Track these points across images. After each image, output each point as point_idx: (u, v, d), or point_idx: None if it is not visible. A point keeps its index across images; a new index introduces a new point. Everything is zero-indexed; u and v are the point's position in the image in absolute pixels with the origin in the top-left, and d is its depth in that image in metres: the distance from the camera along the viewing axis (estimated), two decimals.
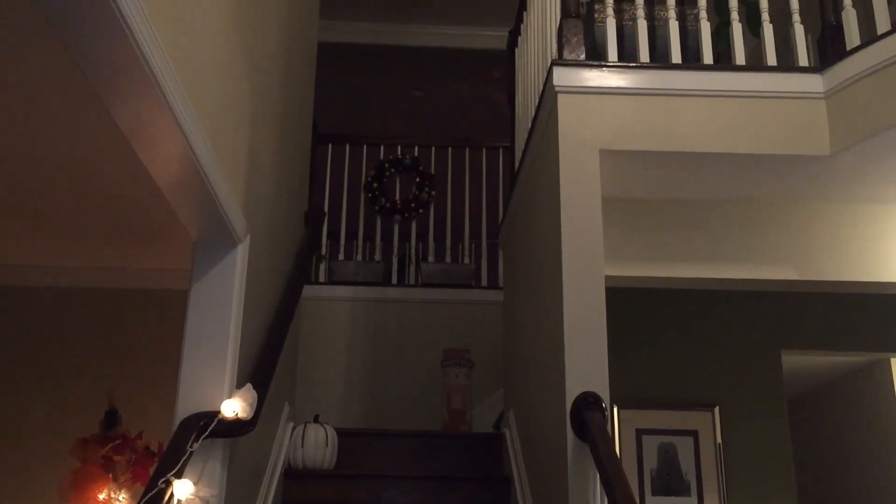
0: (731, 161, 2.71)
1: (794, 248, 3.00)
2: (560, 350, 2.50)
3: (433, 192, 5.10)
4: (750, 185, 2.91)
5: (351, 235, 5.10)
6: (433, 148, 5.23)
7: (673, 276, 2.95)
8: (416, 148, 5.22)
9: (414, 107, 7.13)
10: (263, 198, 3.08)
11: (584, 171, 2.64)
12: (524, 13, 3.81)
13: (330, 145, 5.10)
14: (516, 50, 4.10)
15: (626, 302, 3.99)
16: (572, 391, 2.40)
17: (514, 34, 4.09)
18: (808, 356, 4.57)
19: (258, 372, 2.84)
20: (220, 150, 2.34)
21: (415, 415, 4.37)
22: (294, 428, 3.51)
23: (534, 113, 3.18)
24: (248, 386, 2.43)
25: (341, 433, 3.56)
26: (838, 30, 2.81)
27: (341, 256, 4.93)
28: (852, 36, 2.74)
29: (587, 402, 2.34)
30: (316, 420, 3.49)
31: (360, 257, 4.90)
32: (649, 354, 4.12)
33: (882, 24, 2.66)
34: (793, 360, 4.57)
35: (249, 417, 2.38)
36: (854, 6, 2.79)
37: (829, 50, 2.81)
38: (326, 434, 3.40)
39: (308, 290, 4.45)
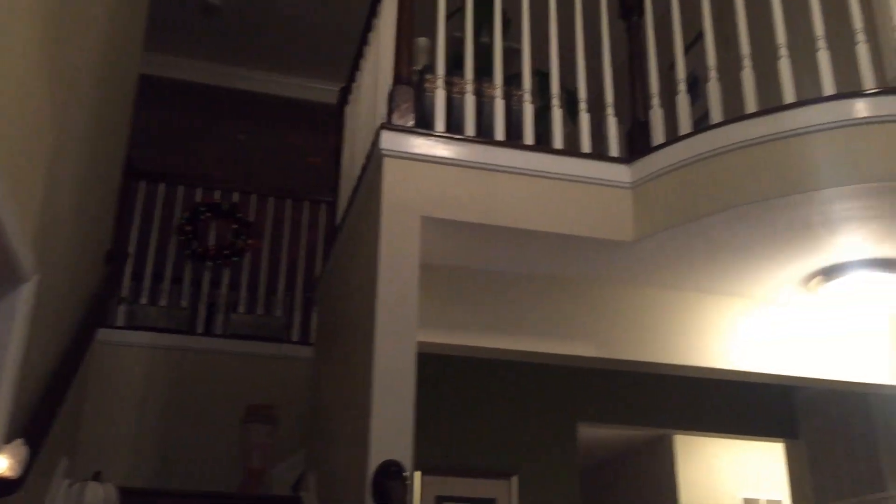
0: (544, 239, 2.82)
1: (596, 326, 3.14)
2: (367, 415, 2.46)
3: (250, 241, 4.95)
4: (560, 262, 3.04)
5: (157, 278, 4.83)
6: (253, 195, 5.09)
7: (482, 345, 3.00)
8: (236, 193, 5.06)
9: (237, 151, 6.96)
10: (58, 232, 2.84)
11: (405, 236, 2.65)
12: (357, 73, 3.82)
13: (144, 182, 4.84)
14: (346, 107, 4.10)
15: (432, 368, 4.01)
16: (376, 458, 2.35)
17: (346, 91, 4.10)
18: (603, 429, 4.79)
19: (35, 423, 2.58)
20: (11, 181, 2.15)
21: (212, 473, 4.13)
22: (71, 485, 3.21)
23: (359, 172, 3.17)
24: (19, 441, 2.20)
25: (125, 492, 3.29)
26: (646, 126, 3.02)
27: (144, 300, 4.65)
28: (658, 133, 2.95)
29: (389, 470, 2.31)
30: (96, 477, 3.21)
31: (164, 302, 4.64)
32: (453, 421, 4.15)
33: (685, 125, 2.88)
34: (589, 432, 4.77)
35: (18, 476, 2.15)
36: (661, 105, 3.01)
37: (637, 144, 3.01)
38: (104, 494, 3.13)
39: (103, 334, 4.15)
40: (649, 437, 5.64)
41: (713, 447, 5.58)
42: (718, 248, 2.91)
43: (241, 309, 4.76)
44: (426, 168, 2.75)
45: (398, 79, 2.88)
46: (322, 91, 6.01)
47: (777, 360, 3.28)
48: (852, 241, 2.83)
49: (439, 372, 4.11)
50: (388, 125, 2.77)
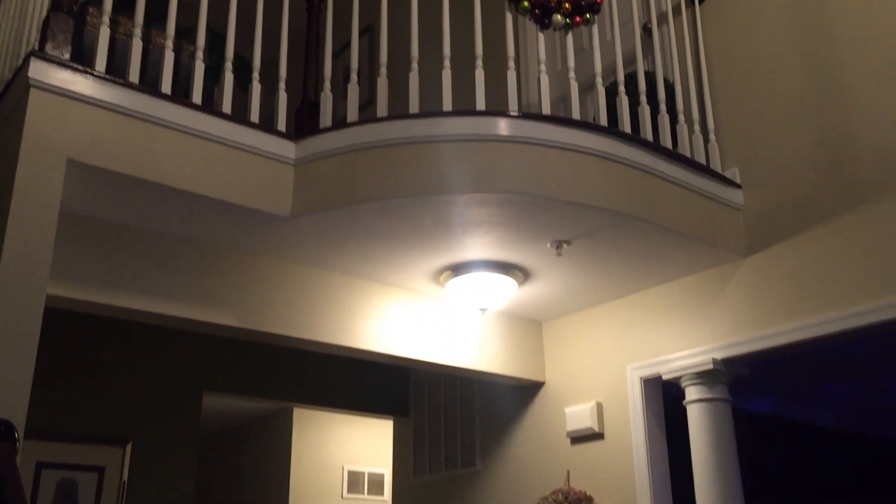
0: (200, 202, 2.75)
1: (240, 296, 3.13)
2: None
3: None
4: (213, 228, 2.99)
5: None
6: None
7: (119, 305, 2.84)
8: None
9: None
10: None
11: (45, 178, 2.42)
12: None
13: None
14: None
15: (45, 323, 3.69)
16: None
17: None
18: (227, 399, 4.77)
19: None
20: None
21: None
22: None
23: None
24: None
25: None
26: (315, 107, 3.09)
27: None
28: (326, 116, 3.03)
29: None
30: None
31: None
32: (60, 381, 3.84)
33: (352, 114, 3.00)
34: (212, 401, 4.73)
35: None
36: (332, 90, 3.09)
37: (304, 122, 3.07)
38: None
39: None
40: (271, 409, 5.74)
41: (324, 422, 5.85)
42: (368, 235, 3.08)
43: None
44: (79, 108, 2.54)
45: (57, 5, 2.62)
46: None
47: (400, 343, 3.56)
48: (480, 243, 3.17)
49: (54, 327, 3.78)
50: (39, 54, 2.50)
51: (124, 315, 2.94)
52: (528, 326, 4.01)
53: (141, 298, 2.89)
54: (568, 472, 3.71)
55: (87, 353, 3.96)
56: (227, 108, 2.86)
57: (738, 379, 3.33)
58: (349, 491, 5.90)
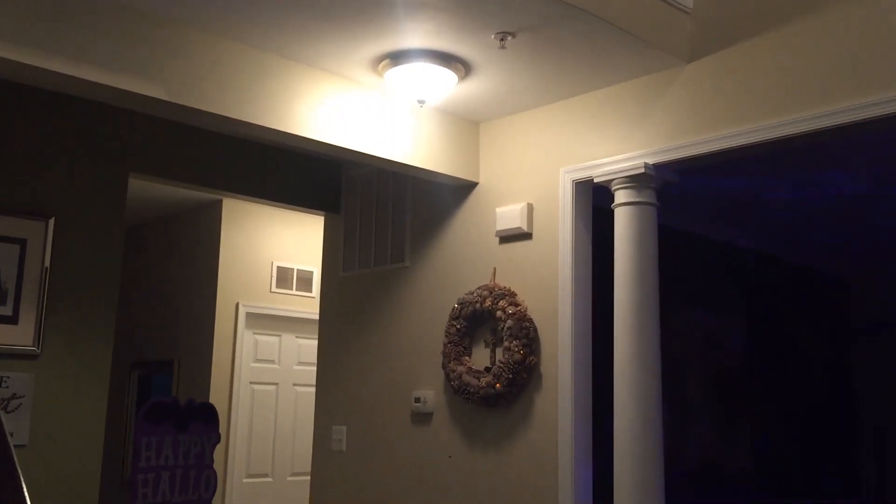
0: None
1: (171, 70, 2.98)
2: None
3: None
4: None
5: None
6: None
7: (38, 65, 2.67)
8: None
9: None
10: None
11: None
12: None
13: None
14: None
15: None
16: None
17: None
18: (156, 185, 4.68)
19: None
20: None
21: None
22: None
23: None
24: None
25: None
26: None
27: None
28: None
29: None
30: None
31: None
32: None
33: None
34: (141, 187, 4.64)
35: None
36: None
37: None
38: None
39: None
40: (200, 200, 5.68)
41: (255, 217, 5.83)
42: (307, 13, 2.94)
43: None
44: None
45: None
46: None
47: (336, 132, 3.50)
48: (422, 29, 3.06)
49: None
50: None
51: (46, 79, 2.78)
52: (466, 126, 3.97)
53: (64, 61, 2.72)
54: (494, 269, 3.82)
55: (8, 123, 3.77)
56: None
57: (667, 185, 3.40)
58: (277, 286, 5.99)
